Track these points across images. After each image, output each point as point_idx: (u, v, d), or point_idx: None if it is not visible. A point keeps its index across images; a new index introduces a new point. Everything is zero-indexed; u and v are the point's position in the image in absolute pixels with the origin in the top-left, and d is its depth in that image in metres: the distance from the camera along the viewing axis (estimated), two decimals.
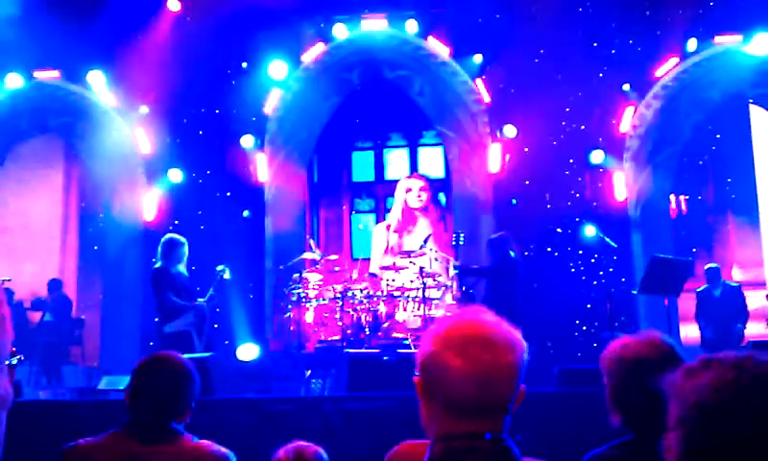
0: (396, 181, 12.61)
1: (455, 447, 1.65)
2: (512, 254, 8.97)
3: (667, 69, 11.51)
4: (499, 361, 1.66)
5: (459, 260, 9.28)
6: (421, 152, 13.70)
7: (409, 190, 12.29)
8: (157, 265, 8.11)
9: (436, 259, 10.58)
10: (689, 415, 1.28)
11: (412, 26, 11.93)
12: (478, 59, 11.84)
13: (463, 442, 1.65)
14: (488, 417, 1.67)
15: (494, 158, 11.64)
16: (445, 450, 1.66)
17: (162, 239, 8.34)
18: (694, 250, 12.10)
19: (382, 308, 10.07)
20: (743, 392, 1.24)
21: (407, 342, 9.51)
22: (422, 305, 9.86)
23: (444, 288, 10.26)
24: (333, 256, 11.11)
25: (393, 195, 12.57)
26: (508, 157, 11.67)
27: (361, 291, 10.17)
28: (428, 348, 1.72)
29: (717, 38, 11.41)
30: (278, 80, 12.05)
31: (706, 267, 10.20)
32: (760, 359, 1.28)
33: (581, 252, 11.35)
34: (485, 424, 1.66)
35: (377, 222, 13.17)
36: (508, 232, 9.56)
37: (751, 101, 11.76)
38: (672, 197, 12.22)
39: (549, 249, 11.68)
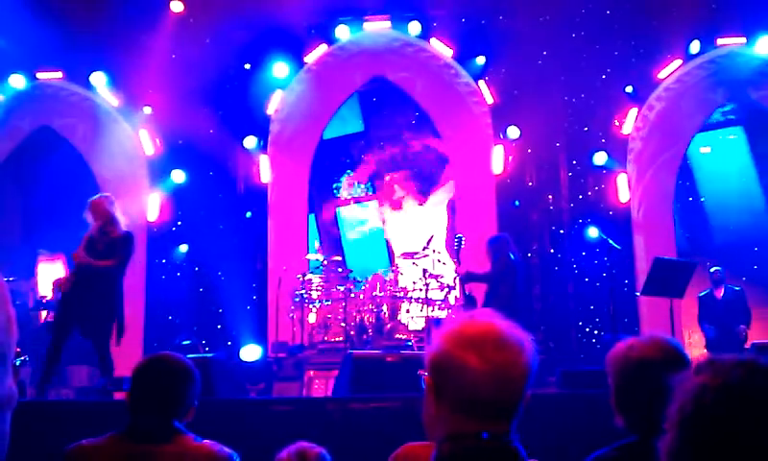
0: None
1: (465, 446, 1.66)
2: (511, 256, 8.97)
3: (670, 71, 11.50)
4: (514, 361, 1.68)
5: (461, 265, 9.27)
6: None
7: None
8: None
9: (438, 260, 10.58)
10: (675, 418, 1.29)
11: (415, 28, 11.94)
12: (481, 60, 11.85)
13: (472, 441, 1.65)
14: (499, 417, 1.68)
15: (497, 160, 11.64)
16: (455, 450, 1.66)
17: None
18: None
19: (385, 310, 10.08)
20: (720, 399, 1.24)
21: (410, 343, 9.51)
22: (425, 307, 9.87)
23: (447, 289, 10.26)
24: (337, 258, 11.11)
25: None
26: (511, 158, 11.67)
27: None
28: (441, 347, 1.72)
29: (720, 40, 11.41)
30: (281, 81, 12.07)
31: (711, 270, 10.18)
32: (750, 366, 1.28)
33: (584, 253, 11.35)
34: (495, 425, 1.67)
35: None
36: (507, 234, 9.56)
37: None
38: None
39: (552, 250, 11.70)
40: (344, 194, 13.26)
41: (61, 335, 7.15)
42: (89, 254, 7.22)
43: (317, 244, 11.44)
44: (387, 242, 13.01)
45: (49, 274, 11.38)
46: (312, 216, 12.80)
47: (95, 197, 7.56)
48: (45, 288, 11.08)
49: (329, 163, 13.10)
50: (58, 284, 7.43)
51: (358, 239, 13.14)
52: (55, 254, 11.56)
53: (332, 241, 13.12)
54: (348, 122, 13.20)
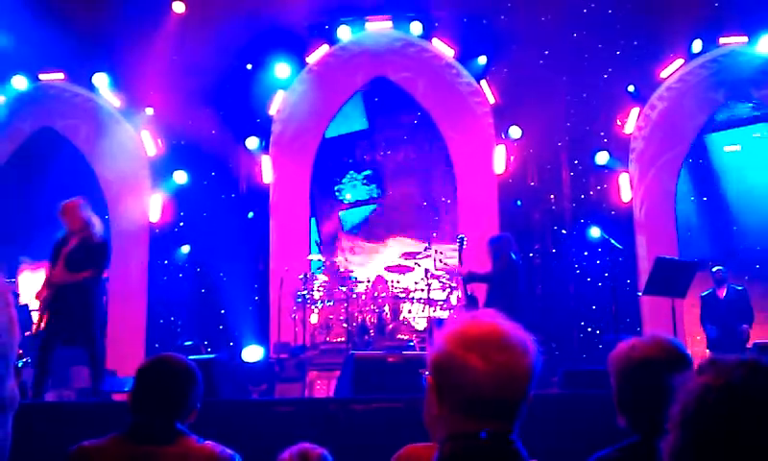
0: None
1: (467, 446, 1.66)
2: (513, 256, 8.96)
3: (672, 70, 11.49)
4: (517, 363, 1.68)
5: (463, 265, 9.27)
6: None
7: None
8: None
9: (440, 261, 10.58)
10: (678, 418, 1.29)
11: (416, 28, 11.94)
12: (483, 60, 11.85)
13: (475, 442, 1.65)
14: (501, 418, 1.68)
15: (499, 159, 11.63)
16: (457, 450, 1.66)
17: None
18: None
19: (387, 310, 10.08)
20: (723, 399, 1.24)
21: (412, 344, 9.51)
22: (427, 307, 9.87)
23: (449, 290, 10.26)
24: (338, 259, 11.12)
25: None
26: (512, 158, 11.67)
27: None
28: (444, 348, 1.72)
29: (722, 40, 11.40)
30: (283, 81, 12.07)
31: (713, 269, 10.17)
32: (752, 366, 1.28)
33: (585, 253, 11.35)
34: (498, 425, 1.67)
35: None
36: (509, 234, 9.55)
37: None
38: None
39: (554, 250, 11.69)
40: (346, 197, 13.19)
41: (47, 346, 7.09)
42: (67, 265, 7.11)
43: (317, 244, 11.46)
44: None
45: (32, 281, 11.26)
46: (313, 220, 12.75)
47: (68, 201, 7.36)
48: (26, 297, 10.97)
49: (332, 163, 13.04)
50: (38, 297, 7.38)
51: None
52: (37, 261, 11.46)
53: (334, 245, 13.06)
54: (352, 120, 13.13)
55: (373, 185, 13.09)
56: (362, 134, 13.23)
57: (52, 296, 7.14)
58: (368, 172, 13.07)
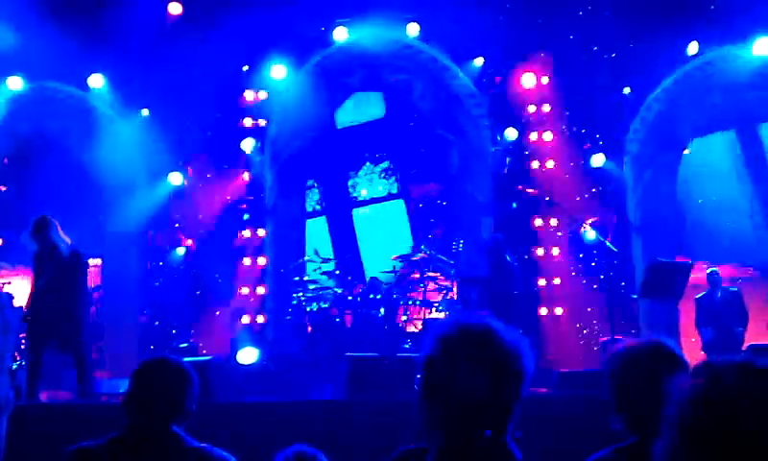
0: None
1: (460, 448, 1.66)
2: (507, 258, 8.96)
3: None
4: (510, 363, 1.68)
5: (458, 267, 9.28)
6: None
7: None
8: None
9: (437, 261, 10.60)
10: (672, 420, 1.30)
11: (413, 29, 11.94)
12: (479, 62, 11.85)
13: (468, 443, 1.66)
14: (495, 419, 1.68)
15: (495, 161, 11.63)
16: (450, 452, 1.67)
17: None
18: None
19: (383, 311, 10.08)
20: (717, 401, 1.25)
21: (407, 345, 9.51)
22: (423, 308, 9.87)
23: (444, 291, 10.27)
24: (332, 260, 11.12)
25: None
26: (508, 159, 11.68)
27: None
28: (435, 350, 1.72)
29: (718, 42, 11.41)
30: (279, 83, 12.05)
31: (707, 271, 10.19)
32: (747, 368, 1.28)
33: (581, 255, 11.35)
34: (491, 427, 1.67)
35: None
36: (502, 235, 9.55)
37: None
38: None
39: (550, 252, 11.69)
40: (361, 193, 12.97)
41: (35, 350, 7.24)
42: (45, 290, 7.26)
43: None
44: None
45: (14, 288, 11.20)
46: (323, 218, 12.64)
47: (35, 222, 7.40)
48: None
49: (345, 155, 12.78)
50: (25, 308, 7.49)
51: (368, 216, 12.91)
52: (16, 267, 11.40)
53: (346, 244, 12.97)
54: (368, 107, 12.90)
55: (392, 179, 12.92)
56: (379, 123, 13.00)
57: (35, 306, 7.30)
58: (385, 164, 12.93)
